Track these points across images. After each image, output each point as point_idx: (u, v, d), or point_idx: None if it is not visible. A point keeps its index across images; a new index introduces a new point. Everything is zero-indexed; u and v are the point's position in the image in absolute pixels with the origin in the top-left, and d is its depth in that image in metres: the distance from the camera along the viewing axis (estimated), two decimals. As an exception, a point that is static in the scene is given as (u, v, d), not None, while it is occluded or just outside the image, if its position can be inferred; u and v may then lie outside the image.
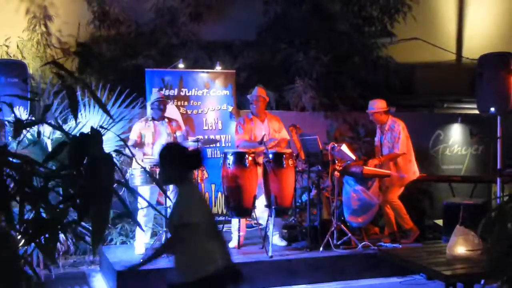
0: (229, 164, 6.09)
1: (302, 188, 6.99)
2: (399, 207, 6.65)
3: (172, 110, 6.99)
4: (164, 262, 4.60)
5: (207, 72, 7.79)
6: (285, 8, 9.38)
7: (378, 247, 6.30)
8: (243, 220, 6.50)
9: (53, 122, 6.10)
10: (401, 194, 6.72)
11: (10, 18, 8.24)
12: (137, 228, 6.19)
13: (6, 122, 5.56)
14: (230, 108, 7.72)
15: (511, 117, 6.79)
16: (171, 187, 6.03)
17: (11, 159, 2.02)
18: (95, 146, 1.92)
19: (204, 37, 9.09)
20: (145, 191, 6.04)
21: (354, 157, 6.35)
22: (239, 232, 6.38)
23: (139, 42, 8.85)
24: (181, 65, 7.77)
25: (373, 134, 7.21)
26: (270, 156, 6.10)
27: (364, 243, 6.30)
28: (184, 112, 7.52)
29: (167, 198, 5.96)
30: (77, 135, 1.98)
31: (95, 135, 1.95)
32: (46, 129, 5.96)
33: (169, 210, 6.05)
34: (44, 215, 2.02)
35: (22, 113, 5.87)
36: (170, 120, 6.49)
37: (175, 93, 7.47)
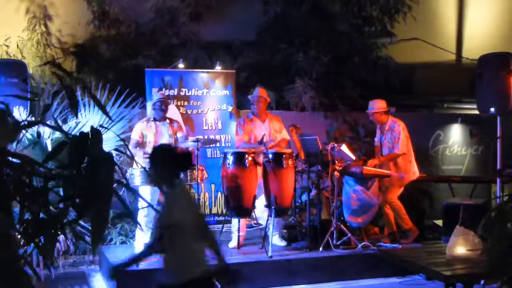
0: (229, 164, 6.09)
1: (302, 188, 6.99)
2: (399, 207, 6.65)
3: (172, 110, 6.99)
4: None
5: (207, 72, 7.79)
6: (285, 8, 9.38)
7: (377, 247, 6.30)
8: (243, 220, 6.49)
9: (52, 122, 6.12)
10: (400, 194, 6.72)
11: (10, 18, 8.24)
12: (137, 228, 6.19)
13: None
14: (230, 108, 7.72)
15: (511, 117, 6.80)
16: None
17: (11, 159, 2.02)
18: (95, 146, 1.92)
19: (204, 37, 9.09)
20: (146, 191, 6.04)
21: (354, 157, 6.35)
22: (239, 232, 6.38)
23: (139, 42, 8.85)
24: (181, 65, 7.77)
25: (373, 134, 7.21)
26: (270, 156, 6.09)
27: (363, 243, 6.30)
28: (184, 112, 7.52)
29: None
30: (77, 134, 1.98)
31: (95, 135, 1.94)
32: (46, 129, 5.96)
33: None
34: (43, 215, 2.02)
35: (22, 113, 5.87)
36: (172, 121, 6.48)
37: (175, 93, 7.47)
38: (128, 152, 5.03)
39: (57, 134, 5.94)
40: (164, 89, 7.37)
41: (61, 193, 2.04)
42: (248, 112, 6.93)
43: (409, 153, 6.71)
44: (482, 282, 4.02)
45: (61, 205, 2.01)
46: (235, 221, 6.45)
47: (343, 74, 8.97)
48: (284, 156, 6.16)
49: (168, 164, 3.34)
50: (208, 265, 3.33)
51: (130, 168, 6.05)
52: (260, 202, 6.34)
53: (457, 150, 8.96)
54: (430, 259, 4.30)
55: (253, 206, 6.13)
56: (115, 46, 8.73)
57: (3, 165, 1.94)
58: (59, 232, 2.09)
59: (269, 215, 6.23)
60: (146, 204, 5.77)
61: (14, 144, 2.29)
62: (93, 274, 6.44)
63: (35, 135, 5.06)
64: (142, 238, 6.19)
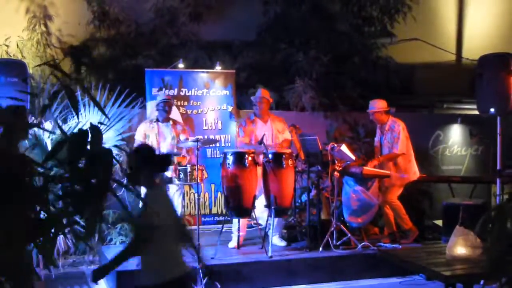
0: (228, 164, 6.08)
1: (302, 188, 6.99)
2: (399, 207, 6.64)
3: (172, 111, 6.99)
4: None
5: (207, 72, 7.80)
6: (285, 8, 9.38)
7: (377, 247, 6.30)
8: (243, 220, 6.49)
9: (52, 122, 6.12)
10: (400, 194, 6.72)
11: (10, 17, 8.24)
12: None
13: None
14: (230, 108, 7.72)
15: (511, 117, 6.79)
16: (171, 187, 6.04)
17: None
18: (95, 142, 1.92)
19: (204, 37, 9.09)
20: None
21: (353, 158, 6.34)
22: (239, 232, 6.38)
23: (139, 42, 8.85)
24: (181, 65, 7.77)
25: (373, 134, 7.20)
26: (270, 156, 6.09)
27: (363, 243, 6.30)
28: (184, 112, 7.52)
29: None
30: (76, 132, 1.98)
31: (95, 131, 1.95)
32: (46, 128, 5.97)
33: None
34: (43, 214, 2.02)
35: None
36: (175, 122, 6.47)
37: (175, 93, 7.47)
38: (128, 150, 5.03)
39: (58, 133, 5.95)
40: (164, 89, 7.37)
41: (60, 193, 2.04)
42: (248, 112, 6.93)
43: (409, 153, 6.71)
44: (482, 282, 4.03)
45: (60, 204, 2.01)
46: (235, 221, 6.45)
47: (343, 74, 8.97)
48: (284, 156, 6.15)
49: (148, 165, 3.32)
50: (186, 266, 3.34)
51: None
52: (260, 202, 6.34)
53: (457, 150, 8.96)
54: (430, 259, 4.29)
55: (253, 206, 6.13)
56: (115, 46, 8.73)
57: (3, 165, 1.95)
58: (59, 232, 2.09)
59: (269, 215, 6.23)
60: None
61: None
62: (93, 274, 6.43)
63: (33, 138, 5.06)
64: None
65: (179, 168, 5.80)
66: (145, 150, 3.56)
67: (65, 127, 6.32)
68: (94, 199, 1.89)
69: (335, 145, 6.33)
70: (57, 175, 2.01)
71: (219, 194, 7.48)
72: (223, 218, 6.91)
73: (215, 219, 7.55)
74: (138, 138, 6.25)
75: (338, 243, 6.32)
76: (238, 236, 6.39)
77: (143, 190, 3.47)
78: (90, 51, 8.56)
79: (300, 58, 8.76)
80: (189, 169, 5.79)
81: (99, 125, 2.04)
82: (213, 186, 7.48)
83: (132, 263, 3.71)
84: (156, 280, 3.22)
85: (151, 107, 7.25)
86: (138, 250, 3.25)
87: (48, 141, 5.95)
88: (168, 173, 5.76)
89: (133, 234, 3.36)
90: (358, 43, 9.39)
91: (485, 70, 6.50)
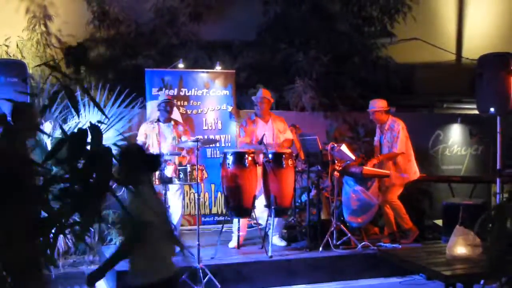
0: (228, 164, 6.08)
1: (302, 188, 6.99)
2: (399, 207, 6.64)
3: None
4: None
5: (207, 72, 7.80)
6: (285, 8, 9.38)
7: (377, 247, 6.29)
8: (243, 220, 6.49)
9: (52, 122, 6.13)
10: (400, 194, 6.72)
11: (10, 17, 8.25)
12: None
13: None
14: (230, 108, 7.72)
15: (511, 117, 6.79)
16: (170, 187, 6.03)
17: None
18: (95, 141, 1.93)
19: (204, 37, 9.09)
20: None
21: (353, 157, 6.34)
22: (239, 232, 6.38)
23: (139, 42, 8.86)
24: (181, 65, 7.77)
25: (372, 134, 7.20)
26: (270, 156, 6.09)
27: (363, 243, 6.30)
28: (184, 112, 7.53)
29: (167, 198, 5.96)
30: (76, 131, 1.98)
31: (94, 131, 1.95)
32: (46, 129, 5.97)
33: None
34: (44, 214, 2.02)
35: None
36: (177, 123, 6.47)
37: (175, 93, 7.47)
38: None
39: (57, 133, 5.95)
40: (164, 89, 7.37)
41: (59, 193, 2.05)
42: (248, 112, 6.93)
43: (409, 152, 6.70)
44: (482, 282, 4.02)
45: (59, 203, 2.01)
46: (235, 220, 6.45)
47: (343, 74, 8.97)
48: (284, 156, 6.15)
49: (137, 165, 3.30)
50: (175, 266, 3.34)
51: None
52: (260, 202, 6.34)
53: (457, 150, 8.96)
54: (430, 259, 4.29)
55: (253, 206, 6.13)
56: (115, 46, 8.74)
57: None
58: (59, 232, 2.09)
59: (269, 215, 6.23)
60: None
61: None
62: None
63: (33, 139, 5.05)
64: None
65: (179, 168, 5.80)
66: (134, 150, 3.54)
67: (65, 127, 6.32)
68: (93, 198, 1.89)
69: (335, 145, 6.33)
70: (57, 175, 2.01)
71: (219, 194, 7.49)
72: (223, 218, 6.90)
73: (215, 219, 7.56)
74: (140, 138, 6.28)
75: (338, 243, 6.32)
76: (238, 236, 6.39)
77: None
78: (86, 50, 8.56)
79: (300, 58, 8.76)
80: (189, 169, 5.79)
81: (98, 124, 2.04)
82: (213, 186, 7.48)
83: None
84: (144, 281, 3.21)
85: (151, 107, 7.25)
86: (130, 251, 3.24)
87: (48, 141, 5.94)
88: (168, 173, 5.76)
89: (124, 235, 3.33)
90: (358, 43, 9.40)
91: (485, 70, 6.50)
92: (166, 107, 6.30)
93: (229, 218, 6.49)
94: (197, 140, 5.75)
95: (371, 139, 7.42)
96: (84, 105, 6.55)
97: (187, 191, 7.15)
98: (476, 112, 6.98)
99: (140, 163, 3.32)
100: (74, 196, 1.92)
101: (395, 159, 6.61)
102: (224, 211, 7.01)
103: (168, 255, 3.33)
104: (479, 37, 10.48)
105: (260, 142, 6.12)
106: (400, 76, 9.40)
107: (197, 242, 5.38)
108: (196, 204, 5.74)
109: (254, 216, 6.31)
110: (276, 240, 6.50)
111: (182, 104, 7.53)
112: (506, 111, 6.40)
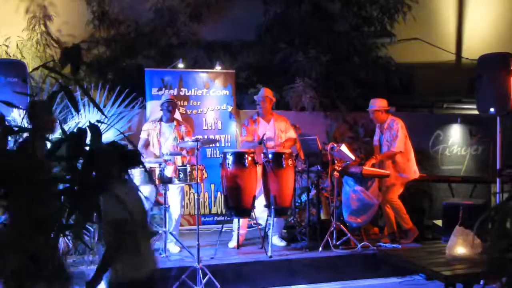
0: (228, 164, 6.08)
1: (302, 188, 6.99)
2: (399, 206, 6.64)
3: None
4: (165, 261, 4.59)
5: (207, 72, 7.80)
6: (285, 8, 9.37)
7: (377, 247, 6.30)
8: (243, 220, 6.49)
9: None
10: (400, 194, 6.72)
11: (10, 17, 8.24)
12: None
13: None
14: (230, 108, 7.72)
15: (511, 117, 6.79)
16: (170, 186, 6.03)
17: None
18: (94, 141, 1.93)
19: (204, 37, 9.09)
20: (145, 191, 6.03)
21: (353, 157, 6.34)
22: (239, 231, 6.38)
23: (139, 42, 8.85)
24: (180, 65, 7.77)
25: (373, 134, 7.20)
26: (270, 156, 6.09)
27: (363, 243, 6.30)
28: (184, 112, 7.53)
29: (166, 198, 5.96)
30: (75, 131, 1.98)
31: (93, 130, 1.95)
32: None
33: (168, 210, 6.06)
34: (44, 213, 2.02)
35: (22, 113, 5.85)
36: (179, 123, 6.47)
37: (175, 93, 7.46)
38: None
39: (57, 134, 5.94)
40: (164, 89, 7.37)
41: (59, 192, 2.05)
42: (248, 112, 6.93)
43: (408, 152, 6.70)
44: (482, 282, 4.02)
45: (59, 202, 2.01)
46: (235, 220, 6.44)
47: (343, 74, 8.96)
48: (283, 156, 6.15)
49: (117, 161, 3.23)
50: (155, 266, 3.35)
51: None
52: (260, 202, 6.34)
53: (457, 150, 8.94)
54: (430, 259, 4.29)
55: (253, 206, 6.13)
56: (115, 46, 8.73)
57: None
58: (60, 233, 2.09)
59: (269, 215, 6.23)
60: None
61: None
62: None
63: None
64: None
65: (179, 168, 5.81)
66: (114, 146, 3.50)
67: (65, 127, 6.31)
68: (91, 196, 1.90)
69: (335, 145, 6.33)
70: (58, 175, 2.02)
71: (219, 194, 7.49)
72: (223, 218, 6.90)
73: (215, 219, 7.55)
74: (143, 136, 6.36)
75: (338, 243, 6.31)
76: (238, 236, 6.38)
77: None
78: (82, 49, 8.54)
79: (300, 58, 8.76)
80: (188, 169, 5.79)
81: (98, 124, 2.04)
82: (213, 186, 7.48)
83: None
84: (123, 279, 3.21)
85: (151, 107, 7.26)
86: (113, 258, 3.23)
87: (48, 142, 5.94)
88: (168, 173, 5.77)
89: (104, 242, 3.31)
90: (358, 43, 9.39)
91: (485, 70, 6.51)
92: (169, 107, 6.32)
93: (229, 218, 6.49)
94: (197, 140, 5.75)
95: (371, 139, 7.42)
96: (84, 105, 6.54)
97: (187, 191, 7.15)
98: (476, 112, 6.97)
99: (119, 159, 3.24)
100: (73, 195, 1.92)
101: (394, 158, 6.60)
102: (224, 211, 7.01)
103: (148, 253, 3.34)
104: (479, 37, 10.47)
105: (260, 142, 6.12)
106: (400, 76, 9.39)
107: (197, 242, 5.38)
108: (196, 204, 5.74)
109: (254, 216, 6.31)
110: (275, 240, 6.49)
111: (182, 104, 7.52)
112: (506, 111, 6.41)
